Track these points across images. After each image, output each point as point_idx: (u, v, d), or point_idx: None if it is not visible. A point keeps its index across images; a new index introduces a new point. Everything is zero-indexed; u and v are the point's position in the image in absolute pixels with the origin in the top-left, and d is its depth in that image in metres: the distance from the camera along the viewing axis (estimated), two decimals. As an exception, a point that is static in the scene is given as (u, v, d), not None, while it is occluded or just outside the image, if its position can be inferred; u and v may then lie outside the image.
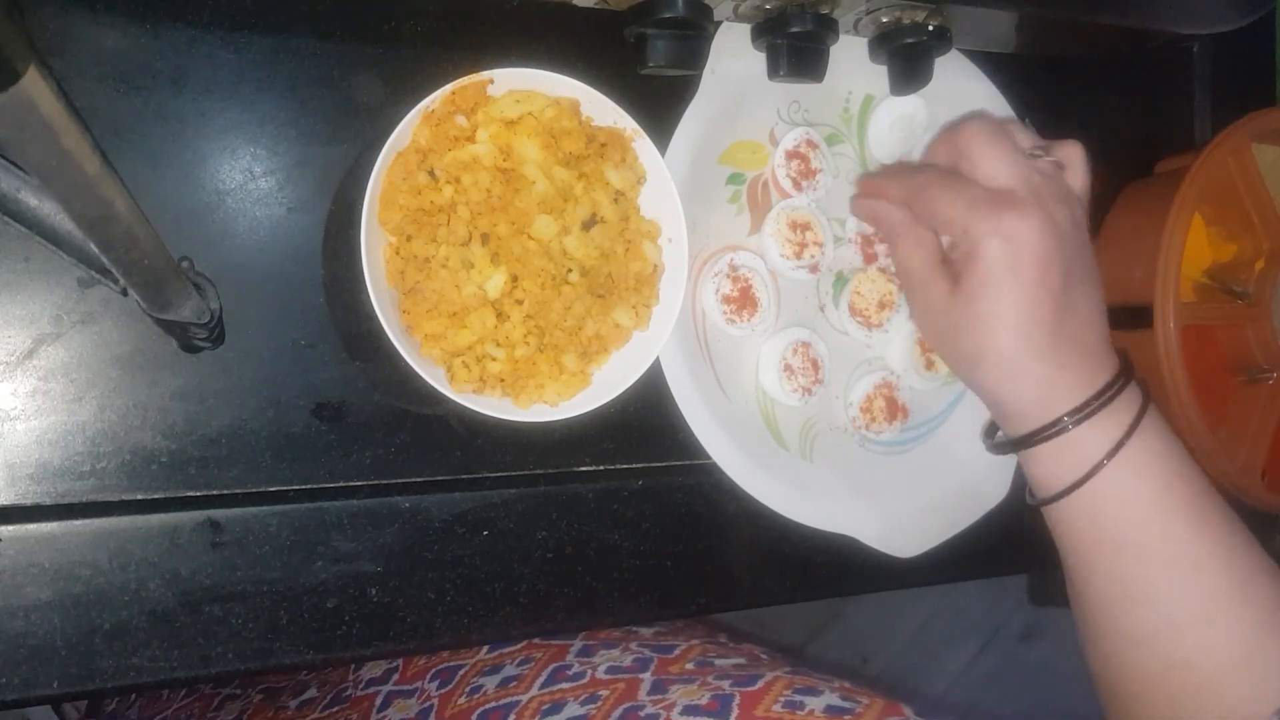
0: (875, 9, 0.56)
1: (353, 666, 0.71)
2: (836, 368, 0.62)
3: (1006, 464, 0.65)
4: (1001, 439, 0.56)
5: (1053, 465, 0.53)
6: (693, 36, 0.54)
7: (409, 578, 0.52)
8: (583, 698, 0.58)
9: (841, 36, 0.57)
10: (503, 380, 0.51)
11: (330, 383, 0.51)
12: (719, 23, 0.57)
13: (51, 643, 0.46)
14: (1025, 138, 0.55)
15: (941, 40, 0.58)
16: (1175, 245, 0.62)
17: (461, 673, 0.64)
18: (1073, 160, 0.55)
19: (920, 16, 0.56)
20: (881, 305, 0.62)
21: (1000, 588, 1.84)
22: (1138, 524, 0.51)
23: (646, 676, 0.59)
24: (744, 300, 0.58)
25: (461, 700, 0.61)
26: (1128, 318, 0.66)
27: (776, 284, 0.61)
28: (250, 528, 0.50)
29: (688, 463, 0.58)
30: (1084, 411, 0.51)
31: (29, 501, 0.47)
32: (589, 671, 0.60)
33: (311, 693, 0.73)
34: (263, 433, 0.50)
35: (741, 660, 0.60)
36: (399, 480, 0.53)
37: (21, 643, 0.46)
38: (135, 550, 0.48)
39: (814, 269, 0.60)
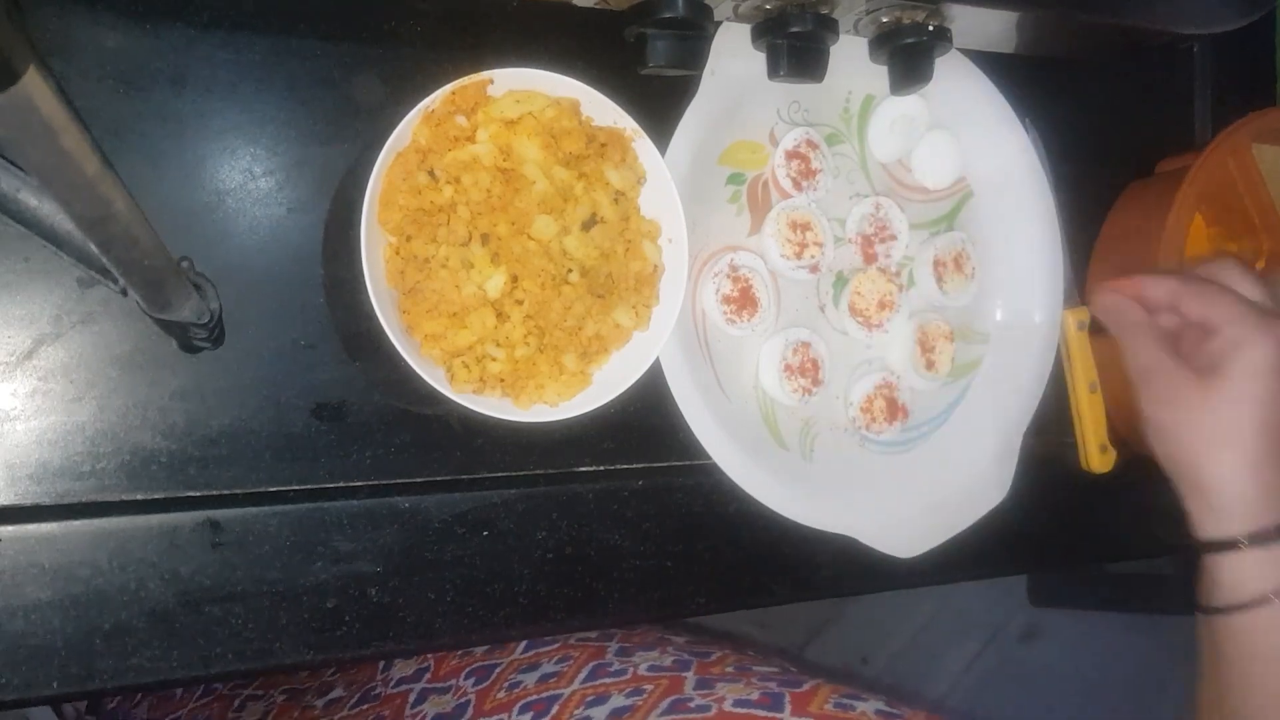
0: (875, 9, 0.56)
1: (380, 666, 0.72)
2: (836, 368, 0.62)
3: (1006, 464, 0.65)
4: (1212, 538, 0.57)
5: (1249, 573, 0.54)
6: (693, 37, 0.54)
7: (409, 578, 0.52)
8: (627, 690, 0.59)
9: (841, 36, 0.57)
10: (503, 380, 0.51)
11: (330, 383, 0.51)
12: (719, 23, 0.57)
13: (51, 643, 0.46)
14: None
15: (941, 40, 0.58)
16: (1176, 245, 0.62)
17: (498, 670, 0.64)
18: None
19: (920, 16, 0.56)
20: (881, 305, 0.62)
21: (1000, 588, 1.84)
22: None
23: (689, 675, 0.60)
24: (744, 300, 0.58)
25: (500, 694, 0.62)
26: (1128, 318, 0.66)
27: (777, 284, 0.61)
28: (250, 528, 0.49)
29: (688, 463, 0.58)
30: None
31: (29, 502, 0.47)
32: (630, 669, 0.61)
33: (338, 692, 0.73)
34: (262, 433, 0.50)
35: (775, 669, 0.61)
36: (399, 480, 0.53)
37: (21, 643, 0.46)
38: (135, 550, 0.48)
39: (814, 269, 0.60)
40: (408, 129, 0.48)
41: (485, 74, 0.50)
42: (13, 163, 0.43)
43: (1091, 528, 0.72)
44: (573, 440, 0.56)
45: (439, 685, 0.66)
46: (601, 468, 0.57)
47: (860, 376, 0.63)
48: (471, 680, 0.65)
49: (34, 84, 0.27)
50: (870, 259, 0.63)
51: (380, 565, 0.52)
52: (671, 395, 0.56)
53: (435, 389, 0.48)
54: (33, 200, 0.43)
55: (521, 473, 0.55)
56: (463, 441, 0.54)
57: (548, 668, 0.63)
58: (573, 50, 0.55)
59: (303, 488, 0.51)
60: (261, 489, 0.50)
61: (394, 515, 0.52)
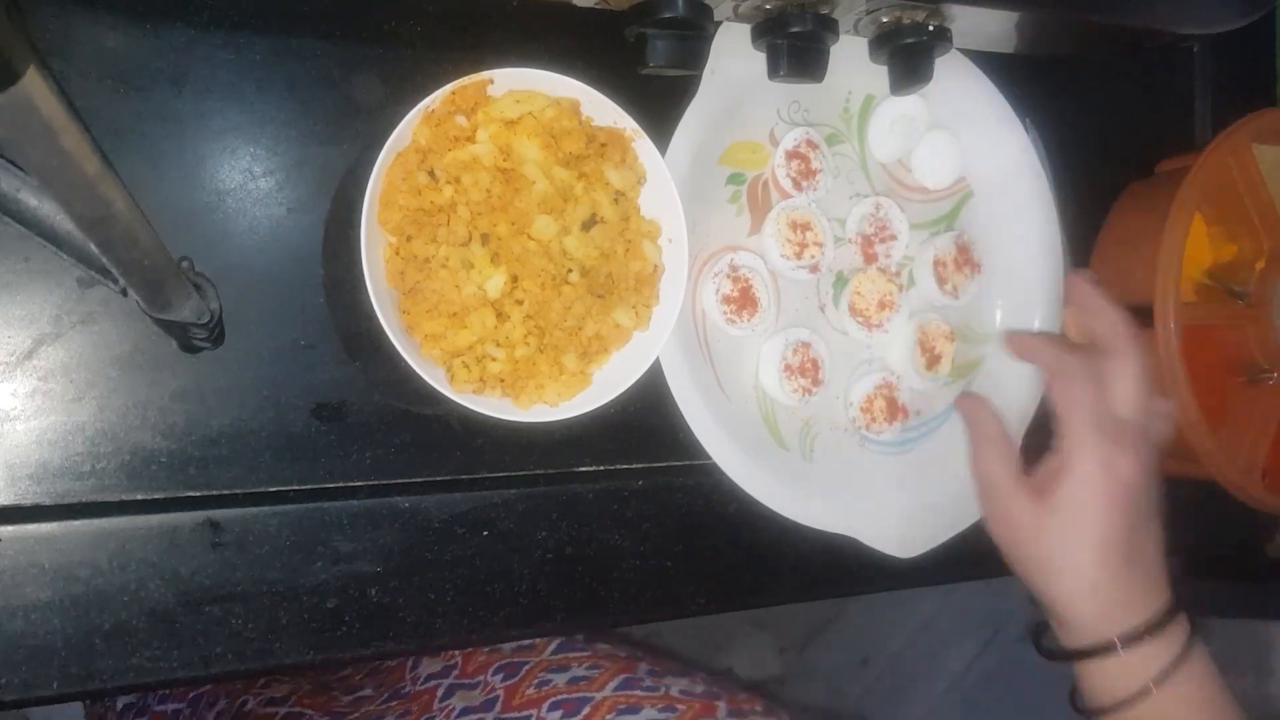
0: (875, 9, 0.56)
1: (409, 665, 0.72)
2: (836, 368, 0.62)
3: (1007, 464, 0.65)
4: (1052, 647, 0.59)
5: (1102, 681, 0.55)
6: (693, 37, 0.54)
7: (409, 578, 0.52)
8: (660, 706, 0.60)
9: (841, 36, 0.57)
10: (503, 380, 0.51)
11: (330, 383, 0.51)
12: (719, 23, 0.57)
13: (51, 643, 0.46)
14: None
15: (942, 40, 0.58)
16: (1176, 245, 0.62)
17: (526, 668, 0.65)
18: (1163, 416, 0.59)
19: (920, 16, 0.56)
20: (881, 305, 0.62)
21: (1001, 588, 1.84)
22: None
23: (722, 704, 0.61)
24: (744, 300, 0.58)
25: (530, 690, 0.63)
26: (1128, 318, 0.66)
27: (777, 284, 0.61)
28: (250, 528, 0.49)
29: (688, 463, 0.58)
30: (1136, 636, 0.54)
31: (29, 502, 0.47)
32: (663, 688, 0.62)
33: (367, 691, 0.74)
34: (262, 433, 0.50)
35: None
36: (399, 480, 0.53)
37: (21, 643, 0.46)
38: (135, 550, 0.48)
39: (814, 269, 0.60)
40: (408, 129, 0.48)
41: (485, 74, 0.50)
42: (13, 163, 0.43)
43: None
44: (573, 440, 0.56)
45: (467, 681, 0.66)
46: (601, 468, 0.57)
47: (860, 376, 0.63)
48: (500, 676, 0.65)
49: (34, 84, 0.27)
50: (870, 259, 0.63)
51: (380, 565, 0.52)
52: (671, 395, 0.56)
53: (435, 389, 0.48)
54: (33, 200, 0.43)
55: (521, 473, 0.55)
56: (463, 441, 0.54)
57: (577, 671, 0.63)
58: (573, 50, 0.55)
59: (303, 488, 0.51)
60: (261, 489, 0.50)
61: (394, 515, 0.52)
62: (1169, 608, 0.55)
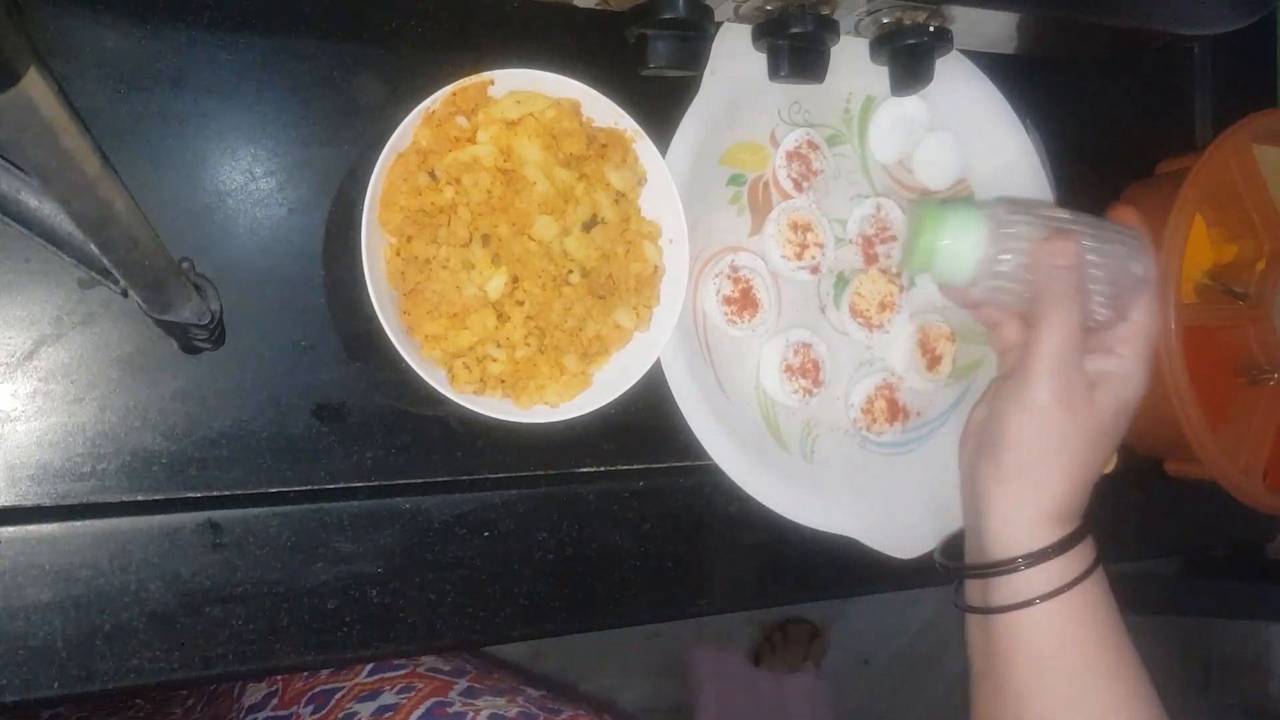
0: (876, 10, 0.56)
1: (235, 692, 0.70)
2: (837, 369, 0.62)
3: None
4: (951, 563, 0.58)
5: (992, 589, 0.55)
6: (693, 37, 0.54)
7: (409, 579, 0.52)
8: None
9: (842, 37, 0.57)
10: (503, 381, 0.51)
11: (330, 384, 0.51)
12: (720, 24, 0.57)
13: (52, 644, 0.46)
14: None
15: (942, 41, 0.58)
16: (1176, 246, 0.62)
17: (337, 696, 0.63)
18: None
19: (921, 17, 0.56)
20: (882, 306, 0.62)
21: (1001, 589, 1.84)
22: (1063, 648, 0.54)
23: None
24: (745, 301, 0.58)
25: None
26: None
27: (777, 285, 0.61)
28: (251, 529, 0.49)
29: (688, 464, 0.58)
30: (1044, 556, 0.53)
31: (29, 503, 0.47)
32: (470, 713, 0.61)
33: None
34: (263, 434, 0.50)
35: None
36: (399, 481, 0.53)
37: (22, 644, 0.46)
38: (136, 551, 0.48)
39: (815, 270, 0.60)
40: (408, 130, 0.48)
41: (486, 75, 0.50)
42: (13, 163, 0.43)
43: (1092, 528, 0.72)
44: (573, 441, 0.56)
45: (281, 714, 0.64)
46: (602, 468, 0.57)
47: (861, 377, 0.63)
48: (310, 708, 0.64)
49: (34, 85, 0.27)
50: (871, 260, 0.63)
51: (381, 566, 0.52)
52: (672, 396, 0.56)
53: (436, 390, 0.48)
54: (33, 201, 0.43)
55: (522, 473, 0.55)
56: (463, 442, 0.54)
57: (387, 697, 0.62)
58: (573, 51, 0.55)
59: (303, 489, 0.51)
60: (262, 490, 0.50)
61: (394, 516, 0.52)
62: (1081, 529, 0.55)
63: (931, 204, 0.58)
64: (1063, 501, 0.54)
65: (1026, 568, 0.53)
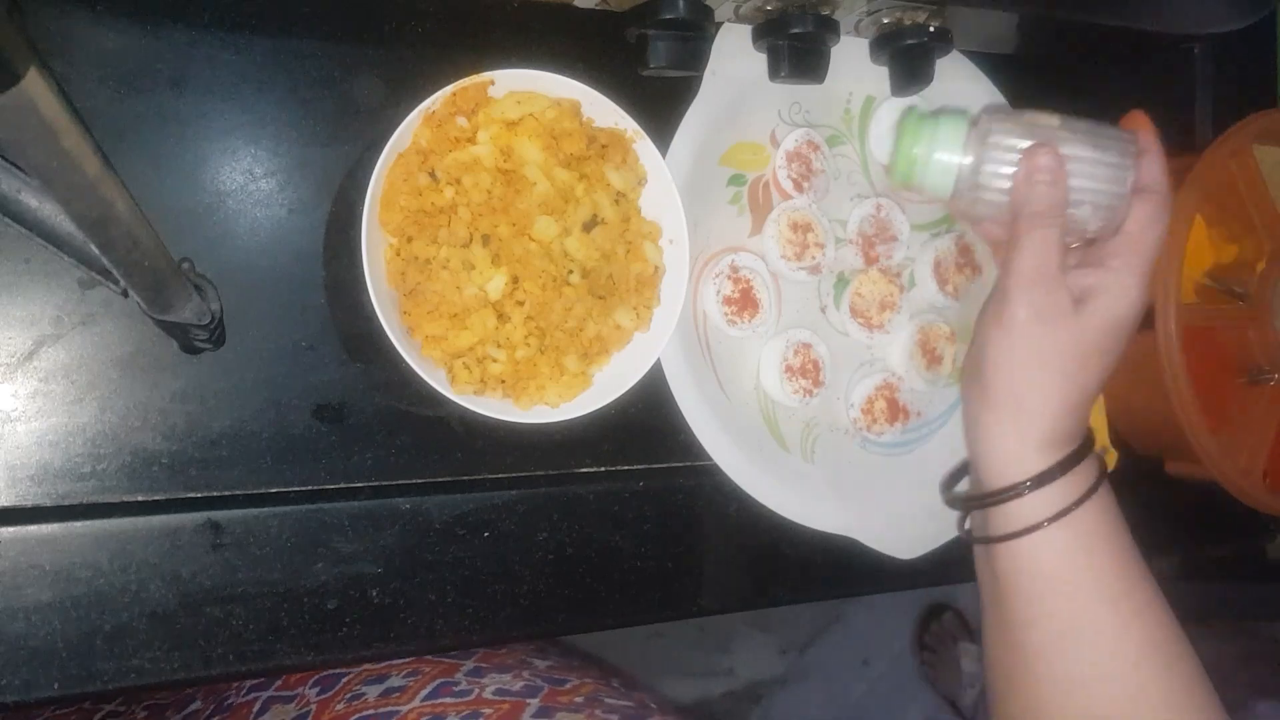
0: (876, 10, 0.56)
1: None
2: (837, 369, 0.62)
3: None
4: (961, 494, 0.56)
5: (999, 517, 0.53)
6: (694, 38, 0.54)
7: (410, 579, 0.52)
8: (465, 713, 0.58)
9: (842, 38, 0.57)
10: (503, 381, 0.51)
11: (331, 384, 0.51)
12: (720, 24, 0.57)
13: (52, 644, 0.46)
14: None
15: (942, 41, 0.58)
16: (1176, 246, 0.62)
17: (345, 680, 0.63)
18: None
19: (921, 18, 0.56)
20: (883, 306, 0.62)
21: (1001, 589, 1.84)
22: (1076, 570, 0.52)
23: (534, 702, 0.59)
24: (745, 301, 0.58)
25: (340, 706, 0.61)
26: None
27: (777, 285, 0.61)
28: (251, 529, 0.49)
29: (689, 464, 0.58)
30: (1050, 476, 0.51)
31: (30, 503, 0.47)
32: (476, 690, 0.60)
33: (196, 705, 0.70)
34: (263, 434, 0.50)
35: (631, 704, 0.60)
36: (400, 482, 0.53)
37: (22, 644, 0.46)
38: (136, 552, 0.48)
39: (815, 270, 0.60)
40: (409, 130, 0.48)
41: (486, 75, 0.50)
42: (14, 164, 0.43)
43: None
44: (573, 441, 0.56)
45: (284, 694, 0.64)
46: (602, 469, 0.57)
47: (861, 378, 0.63)
48: (316, 689, 0.63)
49: (35, 85, 0.27)
50: (871, 260, 0.63)
51: (381, 566, 0.52)
52: (672, 396, 0.56)
53: (436, 390, 0.48)
54: (34, 201, 0.43)
55: (522, 474, 0.55)
56: (463, 443, 0.54)
57: (395, 680, 0.61)
58: (574, 51, 0.55)
59: (303, 489, 0.51)
60: (262, 490, 0.50)
61: (395, 516, 0.52)
62: (1086, 443, 0.53)
63: (916, 113, 0.55)
64: (1054, 423, 0.51)
65: (1017, 496, 0.51)
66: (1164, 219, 0.52)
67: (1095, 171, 0.51)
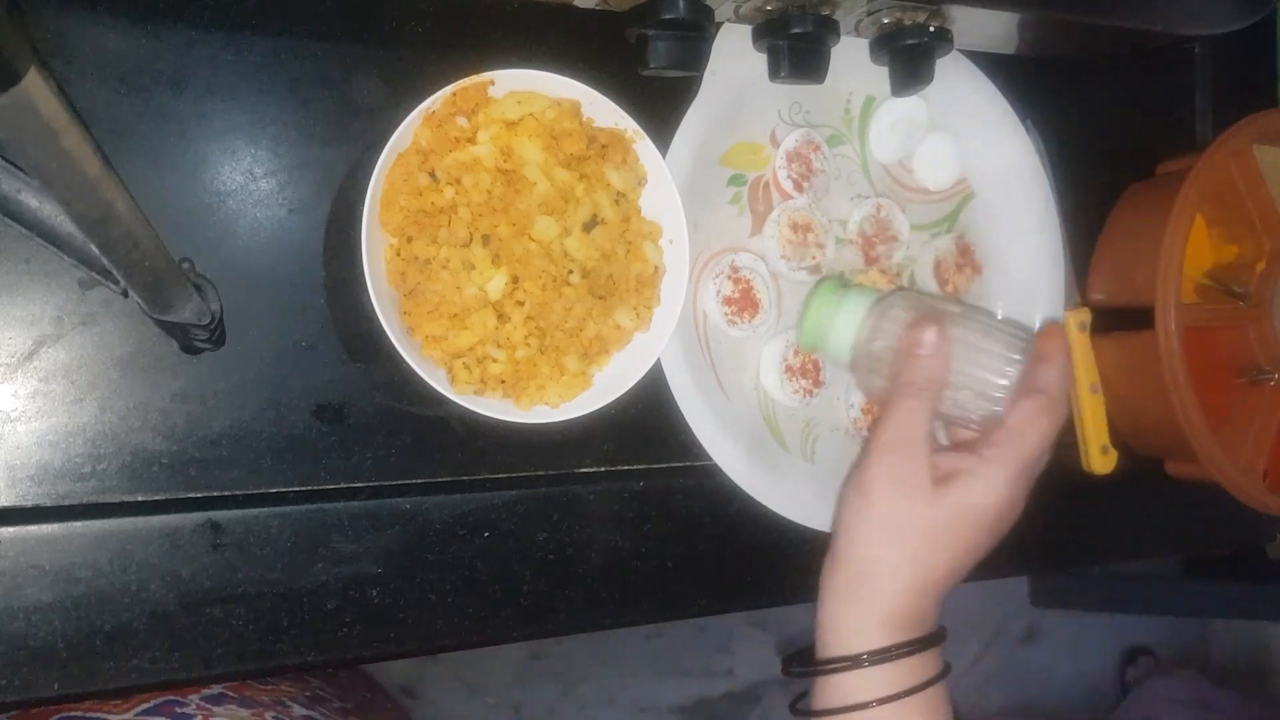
0: (876, 10, 0.56)
1: None
2: (837, 369, 0.62)
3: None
4: (800, 666, 0.53)
5: (832, 688, 0.51)
6: (694, 38, 0.54)
7: (410, 579, 0.52)
8: None
9: (842, 38, 0.57)
10: (504, 382, 0.51)
11: (331, 384, 0.51)
12: (720, 24, 0.57)
13: (52, 644, 0.46)
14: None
15: (942, 41, 0.58)
16: (1176, 246, 0.62)
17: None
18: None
19: (921, 18, 0.56)
20: (882, 306, 0.62)
21: (1002, 589, 1.84)
22: None
23: None
24: (745, 301, 0.58)
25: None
26: (1129, 319, 0.66)
27: (778, 285, 0.61)
28: (251, 529, 0.49)
29: (689, 464, 0.58)
30: (888, 656, 0.49)
31: (29, 503, 0.47)
32: (199, 717, 0.56)
33: None
34: (263, 434, 0.50)
35: None
36: (400, 482, 0.53)
37: (22, 644, 0.46)
38: (136, 552, 0.48)
39: (815, 270, 0.60)
40: (409, 130, 0.48)
41: (486, 75, 0.50)
42: (14, 164, 0.43)
43: (1092, 529, 0.72)
44: (574, 441, 0.56)
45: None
46: (602, 469, 0.57)
47: (861, 377, 0.63)
48: None
49: (35, 85, 0.27)
50: (871, 260, 0.63)
51: (381, 567, 0.52)
52: (672, 396, 0.56)
53: (436, 390, 0.48)
54: (34, 201, 0.43)
55: (522, 474, 0.55)
56: (464, 443, 0.54)
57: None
58: (574, 51, 0.55)
59: (303, 489, 0.51)
60: (262, 490, 0.50)
61: (395, 516, 0.52)
62: (932, 635, 0.51)
63: (830, 283, 0.58)
64: (898, 600, 0.50)
65: (855, 668, 0.49)
66: (1049, 422, 0.51)
67: (979, 359, 0.52)
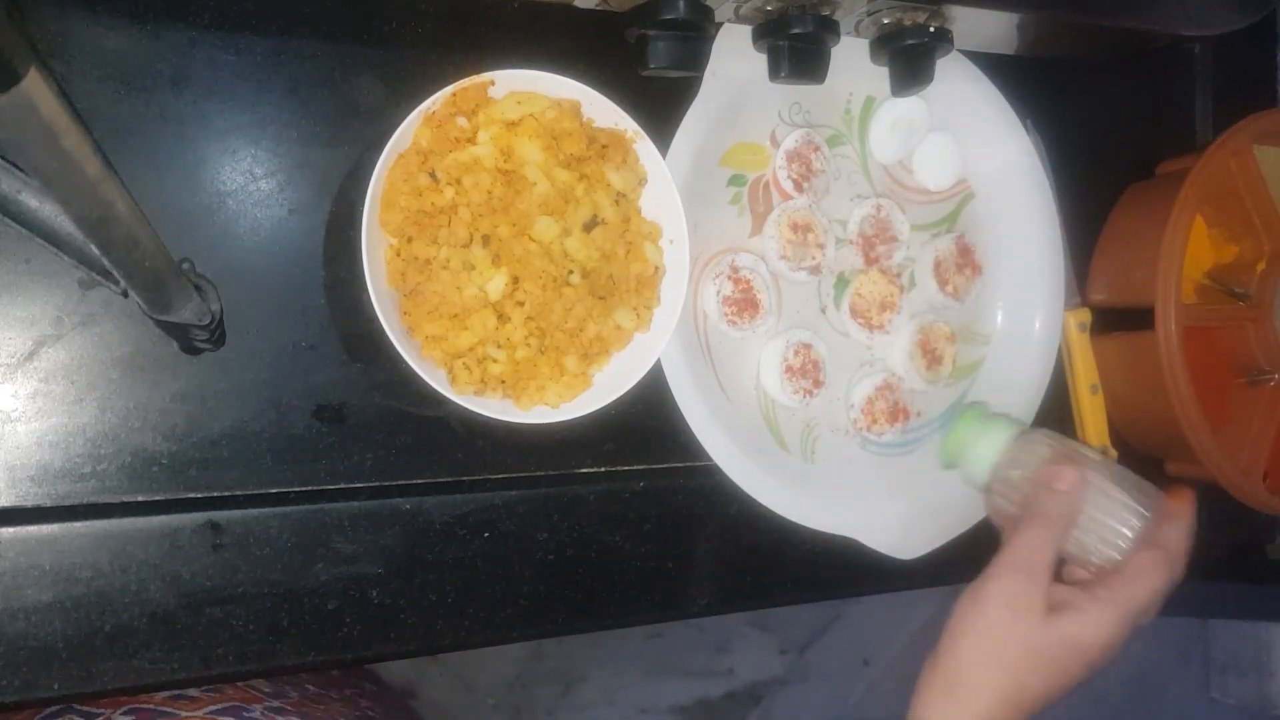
0: (876, 10, 0.56)
1: None
2: (837, 369, 0.62)
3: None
4: None
5: None
6: (694, 38, 0.54)
7: (410, 579, 0.52)
8: None
9: (842, 38, 0.57)
10: (504, 382, 0.51)
11: (331, 384, 0.51)
12: (720, 24, 0.57)
13: (52, 644, 0.46)
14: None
15: (943, 41, 0.58)
16: (1177, 247, 0.62)
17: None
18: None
19: (921, 18, 0.56)
20: (883, 307, 0.62)
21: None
22: None
23: None
24: (745, 302, 0.58)
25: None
26: (1129, 319, 0.66)
27: (778, 285, 0.61)
28: (251, 530, 0.49)
29: (689, 464, 0.58)
30: None
31: (30, 503, 0.47)
32: None
33: None
34: (263, 434, 0.50)
35: None
36: (400, 482, 0.53)
37: (22, 644, 0.46)
38: (136, 552, 0.48)
39: (815, 270, 0.60)
40: (409, 130, 0.48)
41: (486, 75, 0.50)
42: (14, 164, 0.43)
43: None
44: (574, 442, 0.56)
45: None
46: (602, 469, 0.57)
47: (861, 378, 0.63)
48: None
49: (35, 85, 0.27)
50: (871, 260, 0.63)
51: (381, 567, 0.52)
52: (672, 397, 0.56)
53: (436, 390, 0.48)
54: (34, 202, 0.43)
55: (522, 474, 0.55)
56: (464, 443, 0.54)
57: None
58: (574, 51, 0.55)
59: (304, 489, 0.51)
60: (262, 490, 0.50)
61: (395, 517, 0.52)
62: None
63: (979, 408, 0.63)
64: (989, 712, 0.51)
65: None
66: (1163, 576, 0.54)
67: (1109, 506, 0.55)
